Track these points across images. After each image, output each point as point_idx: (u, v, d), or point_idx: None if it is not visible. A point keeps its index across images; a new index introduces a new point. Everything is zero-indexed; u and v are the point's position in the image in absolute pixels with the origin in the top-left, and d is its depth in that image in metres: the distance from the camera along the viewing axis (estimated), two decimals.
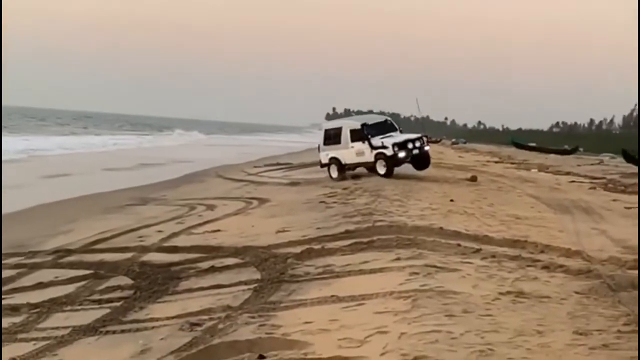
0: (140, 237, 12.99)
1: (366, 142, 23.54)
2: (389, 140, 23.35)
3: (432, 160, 33.88)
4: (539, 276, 8.90)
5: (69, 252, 11.80)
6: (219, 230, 13.46)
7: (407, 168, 24.16)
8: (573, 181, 29.51)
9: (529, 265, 9.54)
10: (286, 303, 7.72)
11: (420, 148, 23.99)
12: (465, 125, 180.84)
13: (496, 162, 43.27)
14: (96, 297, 8.99)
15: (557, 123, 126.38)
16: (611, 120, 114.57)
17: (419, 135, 24.74)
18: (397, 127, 25.32)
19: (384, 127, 24.80)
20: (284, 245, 11.26)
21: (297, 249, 10.74)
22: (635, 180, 31.01)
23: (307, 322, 6.79)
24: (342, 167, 24.42)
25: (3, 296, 9.07)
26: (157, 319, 7.64)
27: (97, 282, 9.73)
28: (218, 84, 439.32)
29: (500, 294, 7.71)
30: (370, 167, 23.72)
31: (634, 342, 6.11)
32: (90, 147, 47.00)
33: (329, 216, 14.41)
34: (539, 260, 9.92)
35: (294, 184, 24.04)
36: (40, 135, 53.52)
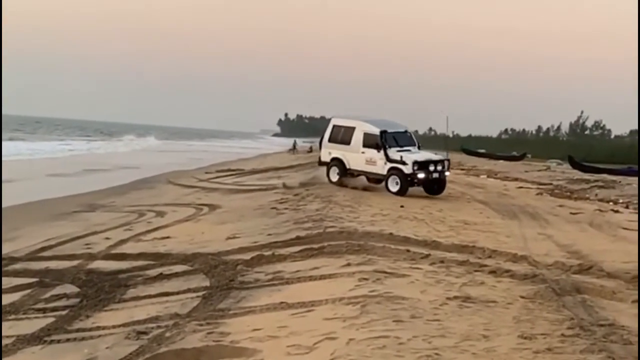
0: (88, 244, 12.79)
1: (381, 152, 21.39)
2: (410, 157, 21.13)
3: None
4: (486, 281, 9.03)
5: (14, 260, 11.54)
6: (168, 237, 13.33)
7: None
8: (521, 187, 30.00)
9: (476, 270, 9.68)
10: (235, 310, 7.68)
11: (441, 172, 21.51)
12: (416, 131, 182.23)
13: None
14: (41, 305, 8.81)
15: (506, 130, 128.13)
16: (558, 127, 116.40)
17: (441, 157, 22.32)
18: (415, 141, 22.96)
19: (402, 139, 22.37)
20: (234, 252, 11.21)
21: (247, 256, 10.71)
22: (582, 186, 31.69)
23: (256, 329, 6.77)
24: (345, 172, 22.35)
25: None
26: (103, 328, 7.53)
27: (42, 290, 9.53)
28: (171, 90, 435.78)
29: (448, 299, 7.80)
30: (376, 179, 21.89)
31: (577, 345, 6.23)
32: (38, 153, 46.10)
33: (280, 222, 14.40)
34: (486, 265, 10.07)
35: (245, 190, 23.91)
36: None
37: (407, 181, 20.85)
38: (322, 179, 23.27)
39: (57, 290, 9.43)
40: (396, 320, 6.73)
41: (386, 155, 21.26)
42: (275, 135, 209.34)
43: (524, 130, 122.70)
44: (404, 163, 20.90)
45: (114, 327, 7.51)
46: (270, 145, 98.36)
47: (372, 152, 21.64)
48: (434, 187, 21.47)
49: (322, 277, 9.00)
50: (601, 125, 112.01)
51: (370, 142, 21.73)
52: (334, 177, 22.41)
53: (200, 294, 8.67)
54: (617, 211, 21.60)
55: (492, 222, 16.45)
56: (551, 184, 33.07)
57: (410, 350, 5.87)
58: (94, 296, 9.00)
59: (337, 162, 22.46)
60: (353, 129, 22.37)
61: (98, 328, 7.57)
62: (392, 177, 21.03)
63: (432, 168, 21.09)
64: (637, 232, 16.60)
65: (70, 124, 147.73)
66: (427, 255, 10.55)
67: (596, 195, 27.92)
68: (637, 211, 22.10)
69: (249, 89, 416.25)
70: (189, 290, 8.89)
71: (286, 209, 16.65)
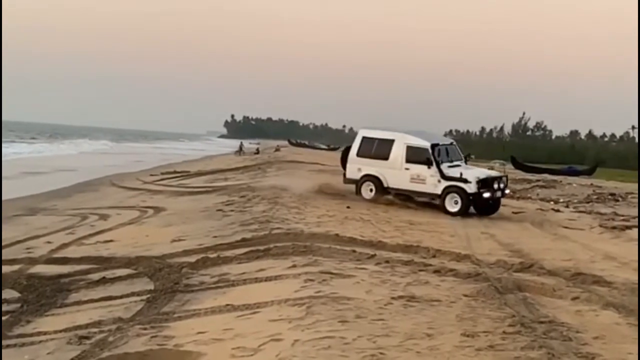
0: (28, 248, 12.48)
1: (433, 168, 18.80)
2: (471, 173, 18.87)
3: (330, 168, 34.21)
4: (430, 280, 9.15)
5: None
6: (111, 241, 13.12)
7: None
8: None
9: (421, 270, 9.81)
10: (180, 313, 7.61)
11: (502, 191, 19.42)
12: None
13: None
14: None
15: (450, 131, 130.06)
16: (501, 128, 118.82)
17: (500, 173, 20.55)
18: (461, 154, 20.66)
19: (452, 153, 20.03)
20: (179, 255, 11.10)
21: (193, 258, 10.62)
22: (524, 186, 32.34)
23: (200, 332, 6.72)
24: (384, 190, 19.66)
25: None
26: (45, 333, 7.38)
27: None
28: (119, 91, 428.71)
29: (393, 298, 7.87)
30: (412, 196, 19.65)
31: (518, 342, 6.35)
32: None
33: (225, 224, 14.33)
34: (430, 265, 10.21)
35: (190, 192, 23.70)
36: None
37: (469, 200, 18.51)
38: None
39: None
40: (341, 321, 6.76)
41: (440, 172, 18.76)
42: (222, 136, 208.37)
43: (468, 131, 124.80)
44: (465, 181, 18.45)
45: (55, 332, 7.36)
46: (217, 147, 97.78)
47: (419, 169, 19.01)
48: (488, 205, 19.12)
49: (267, 279, 8.98)
50: (542, 126, 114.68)
51: (416, 156, 19.14)
52: (368, 195, 19.72)
53: (144, 297, 8.56)
54: (557, 210, 22.11)
55: (437, 222, 16.67)
56: None
57: (355, 350, 5.90)
58: (35, 301, 8.82)
59: (373, 180, 19.73)
60: (391, 141, 19.69)
61: (39, 333, 7.41)
62: (451, 195, 18.55)
63: (495, 186, 18.89)
64: (576, 231, 17.05)
65: (15, 127, 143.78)
66: (373, 256, 10.63)
67: (538, 194, 28.56)
68: (577, 210, 22.66)
69: (195, 90, 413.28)
70: (132, 294, 8.77)
71: (232, 210, 16.58)
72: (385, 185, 19.60)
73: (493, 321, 7.09)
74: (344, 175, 20.66)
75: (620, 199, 28.26)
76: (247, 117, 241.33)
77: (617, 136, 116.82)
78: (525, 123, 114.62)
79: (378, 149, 19.83)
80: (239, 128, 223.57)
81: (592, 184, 36.79)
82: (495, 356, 5.98)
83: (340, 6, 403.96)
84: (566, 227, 17.59)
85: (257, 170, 34.80)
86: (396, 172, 19.39)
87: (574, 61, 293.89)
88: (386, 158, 19.57)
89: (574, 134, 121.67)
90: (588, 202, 26.00)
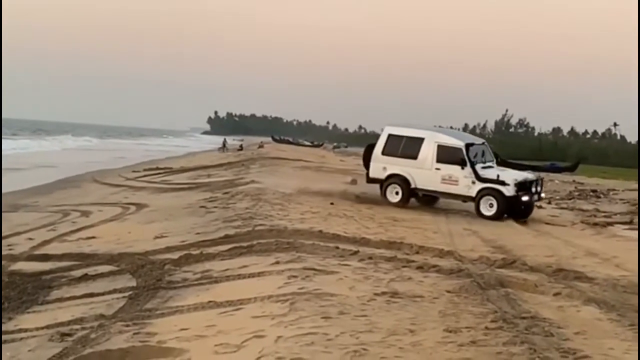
0: (9, 245, 12.38)
1: (466, 169, 18.08)
2: (508, 175, 18.24)
3: (313, 165, 34.23)
4: (413, 276, 9.16)
5: None
6: (93, 237, 13.02)
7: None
8: None
9: (404, 266, 9.82)
10: (162, 310, 7.57)
11: (539, 194, 18.92)
12: (346, 129, 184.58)
13: None
14: None
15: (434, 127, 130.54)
16: (484, 125, 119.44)
17: (537, 175, 19.62)
18: (492, 155, 19.94)
19: (485, 153, 19.33)
20: (162, 251, 11.05)
21: (175, 255, 10.58)
22: None
23: (183, 329, 6.69)
24: (410, 192, 19.00)
25: None
26: (26, 330, 7.31)
27: None
28: (102, 88, 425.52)
29: (376, 294, 7.87)
30: (442, 197, 19.28)
31: (500, 338, 6.37)
32: None
33: (209, 221, 14.28)
34: (413, 261, 10.23)
35: (173, 188, 23.60)
36: None
37: (505, 204, 17.69)
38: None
39: None
40: (324, 317, 6.76)
41: (475, 173, 18.05)
42: (205, 133, 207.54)
43: (451, 127, 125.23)
44: (503, 183, 17.72)
45: (37, 329, 7.30)
46: (200, 144, 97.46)
47: (452, 169, 18.26)
48: (522, 208, 18.36)
49: (251, 276, 8.96)
50: (525, 123, 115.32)
51: (448, 156, 18.41)
52: (394, 198, 19.01)
53: (126, 294, 8.51)
54: (540, 207, 22.21)
55: (421, 218, 16.72)
56: None
57: (338, 346, 5.90)
58: (17, 298, 8.76)
59: (400, 180, 18.97)
60: (421, 140, 18.90)
61: (20, 330, 7.35)
62: (486, 197, 17.81)
63: (533, 190, 18.25)
64: (559, 227, 17.18)
65: None
66: (356, 252, 10.62)
67: None
68: (559, 207, 22.81)
69: (179, 87, 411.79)
70: (115, 291, 8.72)
71: (215, 207, 16.53)
72: (413, 185, 18.89)
73: (475, 317, 7.11)
74: (367, 174, 19.87)
75: (602, 195, 28.57)
76: (231, 114, 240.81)
77: (599, 133, 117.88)
78: (508, 120, 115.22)
79: (406, 148, 19.06)
80: (222, 125, 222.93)
81: (574, 181, 37.14)
82: (478, 352, 6.00)
83: (329, 8, 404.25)
84: (548, 224, 17.73)
85: (241, 167, 34.75)
86: (425, 172, 18.64)
87: (562, 60, 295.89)
88: (415, 157, 18.81)
89: (557, 130, 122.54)
90: (570, 199, 26.23)
